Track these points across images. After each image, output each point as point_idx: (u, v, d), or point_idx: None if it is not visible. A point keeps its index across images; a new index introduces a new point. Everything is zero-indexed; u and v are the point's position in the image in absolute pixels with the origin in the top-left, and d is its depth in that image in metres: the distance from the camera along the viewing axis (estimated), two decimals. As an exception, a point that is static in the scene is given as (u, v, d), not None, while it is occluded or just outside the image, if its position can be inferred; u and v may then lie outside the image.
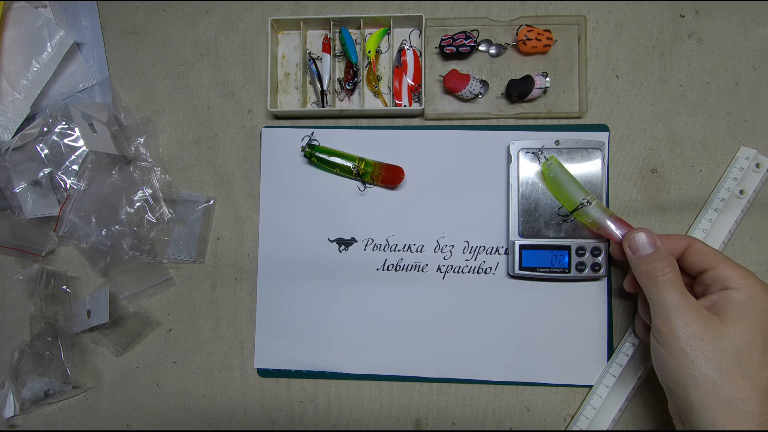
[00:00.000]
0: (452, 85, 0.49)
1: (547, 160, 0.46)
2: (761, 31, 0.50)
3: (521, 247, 0.47)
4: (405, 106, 0.51)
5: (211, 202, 0.52)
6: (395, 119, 0.52)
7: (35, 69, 0.52)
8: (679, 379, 0.35)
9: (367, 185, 0.51)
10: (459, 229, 0.50)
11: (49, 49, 0.52)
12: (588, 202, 0.44)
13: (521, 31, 0.49)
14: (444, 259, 0.50)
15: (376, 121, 0.52)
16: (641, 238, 0.39)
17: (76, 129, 0.51)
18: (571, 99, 0.51)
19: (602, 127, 0.50)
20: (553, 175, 0.46)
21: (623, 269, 0.49)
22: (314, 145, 0.51)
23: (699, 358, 0.33)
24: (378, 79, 0.52)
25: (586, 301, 0.49)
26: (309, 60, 0.52)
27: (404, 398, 0.50)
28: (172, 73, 0.54)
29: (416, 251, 0.50)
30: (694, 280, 0.40)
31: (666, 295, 0.36)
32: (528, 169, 0.48)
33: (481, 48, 0.51)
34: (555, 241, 0.47)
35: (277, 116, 0.53)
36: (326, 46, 0.51)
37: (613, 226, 0.43)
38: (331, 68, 0.51)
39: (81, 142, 0.51)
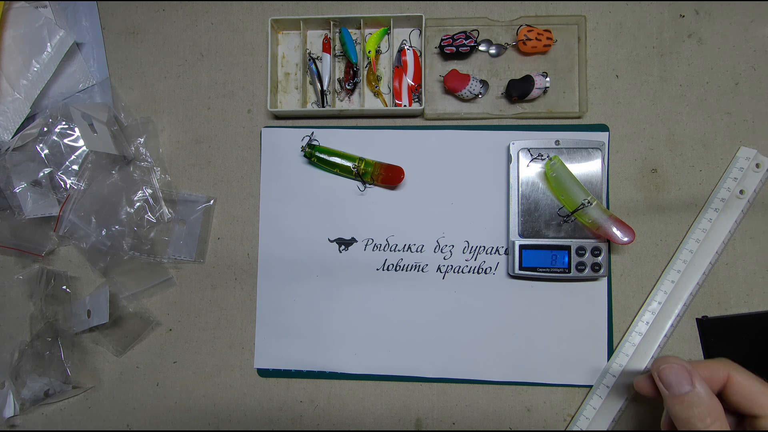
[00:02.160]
0: (452, 85, 0.49)
1: (550, 159, 0.46)
2: (761, 31, 0.50)
3: (521, 247, 0.47)
4: (405, 106, 0.50)
5: (211, 202, 0.52)
6: (395, 119, 0.52)
7: (35, 69, 0.52)
8: None
9: (367, 185, 0.51)
10: (459, 229, 0.50)
11: (49, 49, 0.52)
12: (589, 202, 0.44)
13: (521, 31, 0.49)
14: (444, 259, 0.50)
15: (376, 121, 0.52)
16: (675, 372, 0.32)
17: (76, 129, 0.51)
18: (571, 99, 0.51)
19: (602, 127, 0.50)
20: (555, 175, 0.46)
21: (623, 269, 0.49)
22: (314, 145, 0.51)
23: None
24: (378, 79, 0.52)
25: (586, 301, 0.49)
26: (309, 60, 0.52)
27: (404, 398, 0.50)
28: (172, 73, 0.54)
29: (416, 251, 0.50)
30: (741, 419, 0.33)
31: None
32: (528, 169, 0.48)
33: (481, 48, 0.51)
34: (555, 241, 0.47)
35: (277, 116, 0.53)
36: (326, 46, 0.51)
37: (613, 227, 0.43)
38: (331, 68, 0.51)
39: (81, 142, 0.51)
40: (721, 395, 0.33)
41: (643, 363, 0.47)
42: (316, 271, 0.51)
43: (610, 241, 0.46)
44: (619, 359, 0.47)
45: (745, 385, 0.31)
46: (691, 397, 0.30)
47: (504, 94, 0.50)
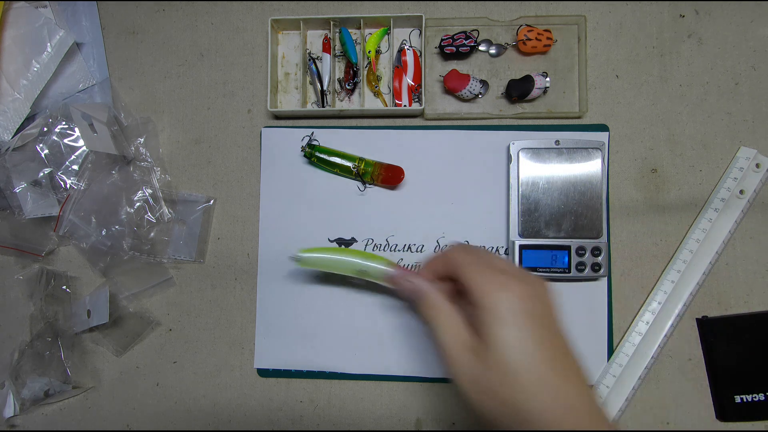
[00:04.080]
0: (452, 85, 0.49)
1: (297, 260, 0.43)
2: (761, 31, 0.50)
3: (521, 247, 0.47)
4: (405, 106, 0.50)
5: (211, 202, 0.52)
6: (395, 119, 0.52)
7: (35, 69, 0.52)
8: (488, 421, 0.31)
9: (367, 185, 0.51)
10: (459, 229, 0.50)
11: (49, 49, 0.52)
12: (363, 269, 0.42)
13: (521, 31, 0.49)
14: (444, 259, 0.50)
15: (376, 121, 0.52)
16: (406, 289, 0.37)
17: (76, 129, 0.51)
18: (571, 99, 0.51)
19: (602, 127, 0.50)
20: (313, 266, 0.44)
21: (624, 269, 0.49)
22: (314, 145, 0.51)
23: (481, 397, 0.30)
24: (378, 79, 0.52)
25: (586, 301, 0.49)
26: (309, 60, 0.52)
27: (404, 398, 0.50)
28: (172, 73, 0.54)
29: (416, 251, 0.50)
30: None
31: (438, 340, 0.33)
32: (528, 169, 0.48)
33: (481, 48, 0.51)
34: (555, 241, 0.47)
35: (277, 116, 0.53)
36: (326, 46, 0.51)
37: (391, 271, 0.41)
38: (331, 68, 0.51)
39: (81, 142, 0.51)
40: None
41: (643, 363, 0.47)
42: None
43: (609, 241, 0.46)
44: (619, 359, 0.47)
45: (454, 258, 0.35)
46: (425, 306, 0.35)
47: (504, 94, 0.50)
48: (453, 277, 0.35)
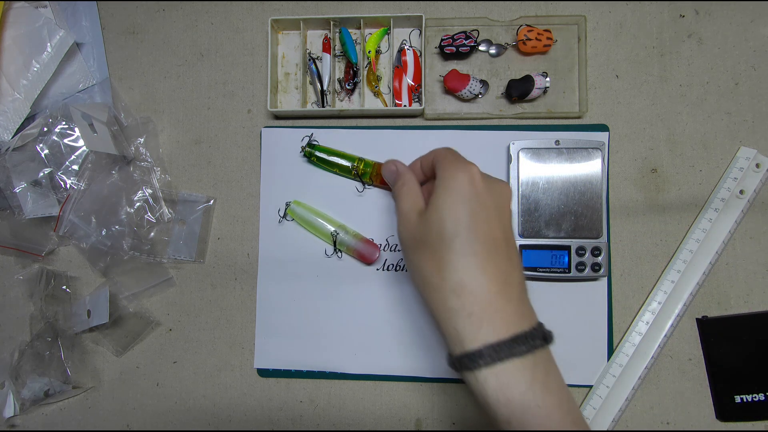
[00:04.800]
0: (452, 85, 0.49)
1: (288, 205, 0.51)
2: (761, 31, 0.50)
3: (521, 247, 0.47)
4: (405, 106, 0.50)
5: (211, 202, 0.52)
6: (395, 119, 0.52)
7: (35, 69, 0.52)
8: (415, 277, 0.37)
9: (366, 185, 0.51)
10: (459, 229, 0.50)
11: (49, 49, 0.52)
12: (337, 232, 0.49)
13: (521, 31, 0.49)
14: (444, 259, 0.50)
15: (376, 121, 0.52)
16: (388, 171, 0.44)
17: (76, 129, 0.51)
18: (571, 99, 0.51)
19: (602, 127, 0.50)
20: (299, 217, 0.50)
21: (623, 269, 0.49)
22: (314, 145, 0.51)
23: (414, 247, 0.36)
24: (378, 79, 0.52)
25: (586, 301, 0.49)
26: (309, 60, 0.52)
27: (404, 398, 0.50)
28: (172, 73, 0.54)
29: (416, 251, 0.50)
30: None
31: (398, 207, 0.39)
32: (528, 169, 0.48)
33: (481, 48, 0.51)
34: (555, 241, 0.47)
35: (277, 116, 0.53)
36: (326, 46, 0.51)
37: (362, 247, 0.49)
38: (331, 68, 0.51)
39: (81, 142, 0.51)
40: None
41: (643, 363, 0.47)
42: (316, 271, 0.51)
43: (609, 241, 0.46)
44: (619, 359, 0.47)
45: (437, 153, 0.40)
46: (399, 182, 0.41)
47: (504, 94, 0.50)
48: (434, 169, 0.39)
